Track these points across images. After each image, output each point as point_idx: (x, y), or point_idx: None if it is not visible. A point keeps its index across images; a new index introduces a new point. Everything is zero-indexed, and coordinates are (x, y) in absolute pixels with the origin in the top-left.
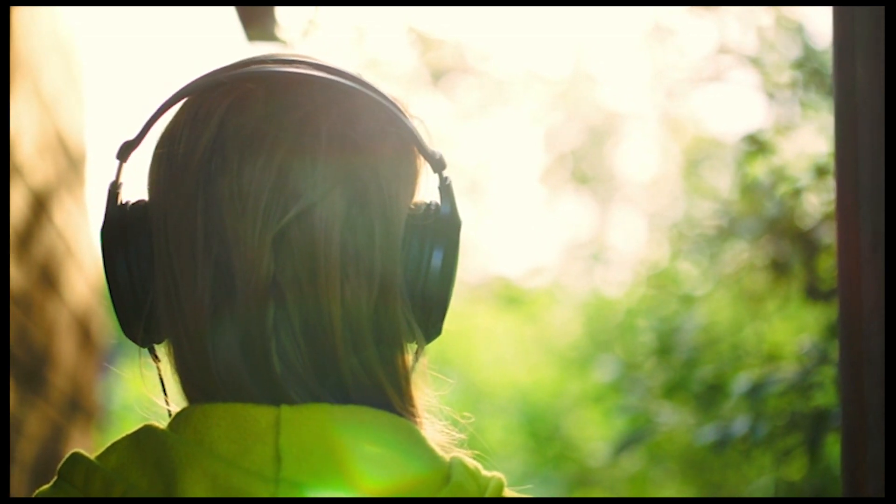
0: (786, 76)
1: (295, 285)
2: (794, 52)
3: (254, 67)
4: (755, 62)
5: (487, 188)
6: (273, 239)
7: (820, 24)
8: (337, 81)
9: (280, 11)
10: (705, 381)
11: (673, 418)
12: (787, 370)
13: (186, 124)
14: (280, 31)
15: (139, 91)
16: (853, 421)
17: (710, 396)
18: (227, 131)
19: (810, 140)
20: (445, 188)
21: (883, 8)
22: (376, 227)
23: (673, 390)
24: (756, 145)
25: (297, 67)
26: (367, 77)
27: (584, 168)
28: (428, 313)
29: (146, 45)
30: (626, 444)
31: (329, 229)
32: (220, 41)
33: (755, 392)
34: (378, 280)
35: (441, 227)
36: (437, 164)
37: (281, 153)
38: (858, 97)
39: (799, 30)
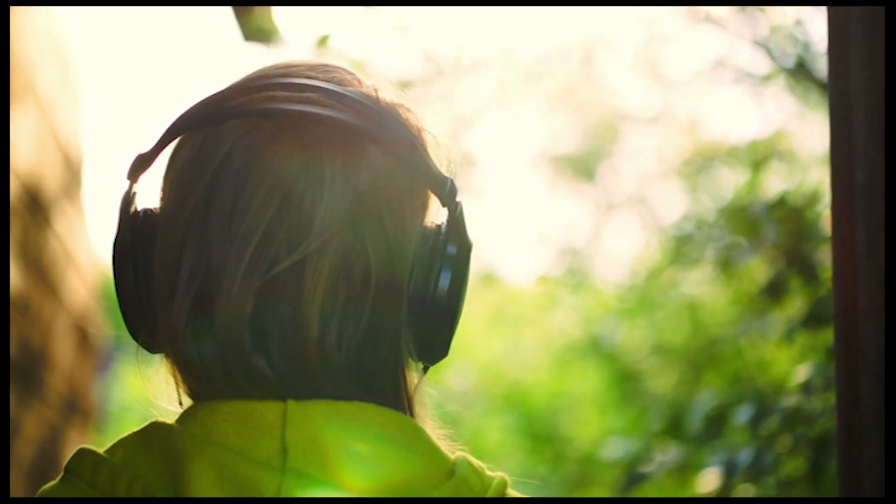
0: (782, 80)
1: (275, 325)
2: (791, 58)
3: (264, 97)
4: (754, 67)
5: (486, 188)
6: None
7: (818, 24)
8: (343, 121)
9: (276, 11)
10: (707, 416)
11: (677, 456)
12: (789, 399)
13: (192, 154)
14: (276, 32)
15: (137, 92)
16: (849, 420)
17: (714, 429)
18: (232, 165)
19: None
20: (455, 219)
21: (878, 7)
22: (374, 272)
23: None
24: (743, 216)
25: (306, 103)
26: (382, 91)
27: (584, 169)
28: (433, 339)
29: (143, 44)
30: (631, 482)
31: (316, 281)
32: (217, 40)
33: (757, 422)
34: (366, 322)
35: (449, 253)
36: (447, 198)
37: (279, 196)
38: (853, 97)
39: (795, 33)
